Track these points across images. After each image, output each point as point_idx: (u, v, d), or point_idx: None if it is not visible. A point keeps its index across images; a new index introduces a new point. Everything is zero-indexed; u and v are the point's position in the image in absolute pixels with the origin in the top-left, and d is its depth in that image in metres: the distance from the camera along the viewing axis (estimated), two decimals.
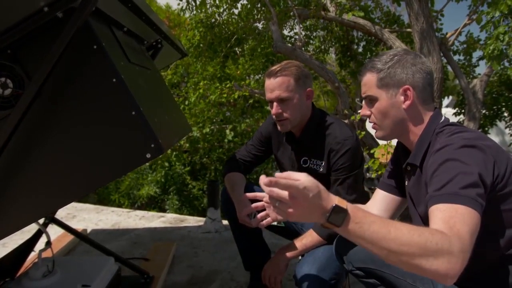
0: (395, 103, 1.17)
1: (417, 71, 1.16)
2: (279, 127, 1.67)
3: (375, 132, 1.26)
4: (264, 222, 1.41)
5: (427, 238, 0.82)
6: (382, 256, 0.85)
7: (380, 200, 1.37)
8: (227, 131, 6.35)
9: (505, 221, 1.03)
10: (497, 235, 1.04)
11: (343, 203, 0.86)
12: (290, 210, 0.84)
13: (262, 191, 1.83)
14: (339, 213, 0.85)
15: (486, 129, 5.01)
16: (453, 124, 1.15)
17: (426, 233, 0.83)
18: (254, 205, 1.33)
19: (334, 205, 0.85)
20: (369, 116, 1.24)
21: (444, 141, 1.05)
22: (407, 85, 1.15)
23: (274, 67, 1.62)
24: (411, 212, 1.26)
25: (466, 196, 0.91)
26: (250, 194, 1.34)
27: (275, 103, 1.61)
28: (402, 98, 1.16)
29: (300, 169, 1.71)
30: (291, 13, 4.98)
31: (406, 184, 1.27)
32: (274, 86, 1.59)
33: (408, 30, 4.38)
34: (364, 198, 1.60)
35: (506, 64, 3.57)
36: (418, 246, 0.81)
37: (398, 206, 1.37)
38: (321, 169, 1.64)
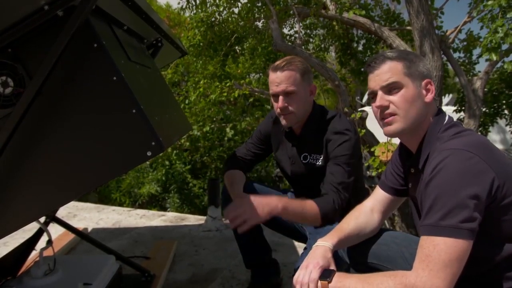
0: (420, 94, 1.12)
1: (429, 69, 1.15)
2: (283, 121, 1.65)
3: (390, 126, 1.13)
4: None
5: None
6: None
7: (379, 200, 1.38)
8: (228, 130, 6.35)
9: (505, 232, 1.00)
10: (497, 245, 1.02)
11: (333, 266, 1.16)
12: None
13: (262, 188, 1.86)
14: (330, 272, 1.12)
15: (487, 127, 4.99)
16: (452, 125, 1.10)
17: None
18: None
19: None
20: (387, 107, 1.12)
21: (438, 157, 1.00)
22: (428, 79, 1.12)
23: (279, 62, 1.62)
24: (414, 217, 1.25)
25: (447, 226, 0.92)
26: None
27: (280, 97, 1.59)
28: (424, 91, 1.12)
29: (300, 165, 1.72)
30: (291, 12, 4.97)
31: (410, 187, 1.24)
32: (281, 79, 1.58)
33: (408, 28, 4.38)
34: (364, 195, 1.60)
35: (506, 59, 3.55)
36: None
37: (394, 205, 1.39)
38: (319, 162, 1.65)
